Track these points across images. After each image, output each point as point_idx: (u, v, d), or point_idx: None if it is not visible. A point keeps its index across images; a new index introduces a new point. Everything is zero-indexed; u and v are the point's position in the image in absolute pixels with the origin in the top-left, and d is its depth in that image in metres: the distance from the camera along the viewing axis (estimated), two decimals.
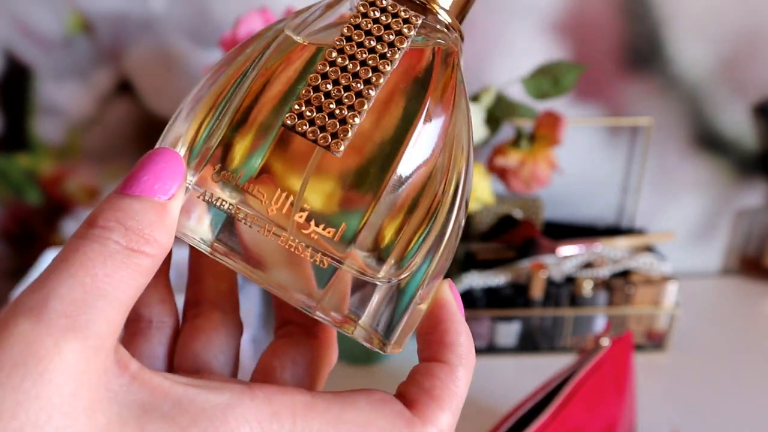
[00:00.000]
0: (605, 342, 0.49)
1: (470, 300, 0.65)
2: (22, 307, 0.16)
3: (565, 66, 0.60)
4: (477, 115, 0.57)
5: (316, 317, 0.20)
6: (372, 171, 0.20)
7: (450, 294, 0.22)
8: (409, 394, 0.20)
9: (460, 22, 0.23)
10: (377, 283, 0.20)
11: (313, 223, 0.20)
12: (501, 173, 0.63)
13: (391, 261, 0.20)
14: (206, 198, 0.20)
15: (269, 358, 0.24)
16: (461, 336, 0.21)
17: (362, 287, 0.21)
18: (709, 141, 0.75)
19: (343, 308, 0.20)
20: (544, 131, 0.61)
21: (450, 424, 0.20)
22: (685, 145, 0.75)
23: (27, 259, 0.79)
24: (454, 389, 0.20)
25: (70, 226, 0.79)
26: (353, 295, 0.20)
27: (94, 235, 0.17)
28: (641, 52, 0.70)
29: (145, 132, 0.73)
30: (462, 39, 0.23)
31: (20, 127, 0.72)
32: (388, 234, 0.20)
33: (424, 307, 0.22)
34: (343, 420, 0.18)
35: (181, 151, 0.21)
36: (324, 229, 0.20)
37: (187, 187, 0.20)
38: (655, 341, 0.67)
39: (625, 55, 0.70)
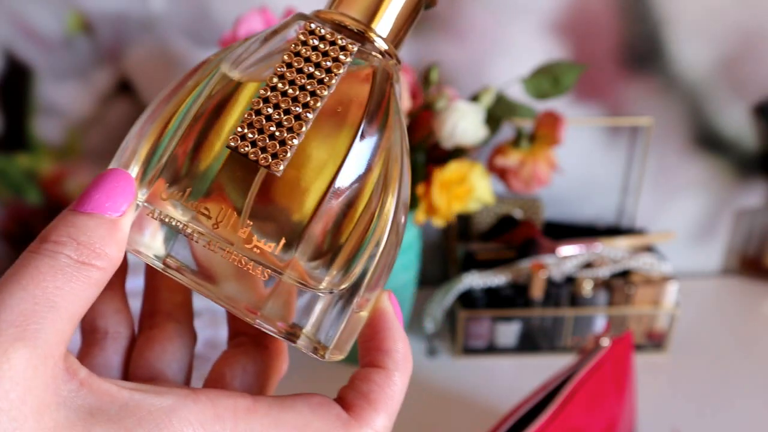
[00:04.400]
0: (605, 342, 0.49)
1: (470, 300, 0.65)
2: None
3: (565, 66, 0.60)
4: (477, 115, 0.57)
5: (256, 326, 0.21)
6: (311, 187, 0.22)
7: (389, 304, 0.23)
8: (348, 398, 0.22)
9: (397, 48, 0.24)
10: (319, 294, 0.21)
11: (255, 237, 0.21)
12: (501, 173, 0.63)
13: (333, 272, 0.22)
14: (156, 216, 0.21)
15: (221, 366, 0.25)
16: (398, 343, 0.22)
17: (306, 297, 0.22)
18: (709, 141, 0.75)
19: (288, 318, 0.21)
20: (544, 131, 0.61)
21: (385, 426, 0.21)
22: (685, 145, 0.75)
23: None
24: (390, 393, 0.22)
25: None
26: (298, 305, 0.21)
27: (46, 249, 0.18)
28: (641, 52, 0.70)
29: None
30: (399, 63, 0.25)
31: (20, 127, 0.72)
32: (327, 245, 0.22)
33: (363, 314, 0.23)
34: (283, 422, 0.20)
35: (135, 170, 0.22)
36: (265, 244, 0.21)
37: (138, 205, 0.21)
38: (655, 341, 0.67)
39: (625, 55, 0.70)
